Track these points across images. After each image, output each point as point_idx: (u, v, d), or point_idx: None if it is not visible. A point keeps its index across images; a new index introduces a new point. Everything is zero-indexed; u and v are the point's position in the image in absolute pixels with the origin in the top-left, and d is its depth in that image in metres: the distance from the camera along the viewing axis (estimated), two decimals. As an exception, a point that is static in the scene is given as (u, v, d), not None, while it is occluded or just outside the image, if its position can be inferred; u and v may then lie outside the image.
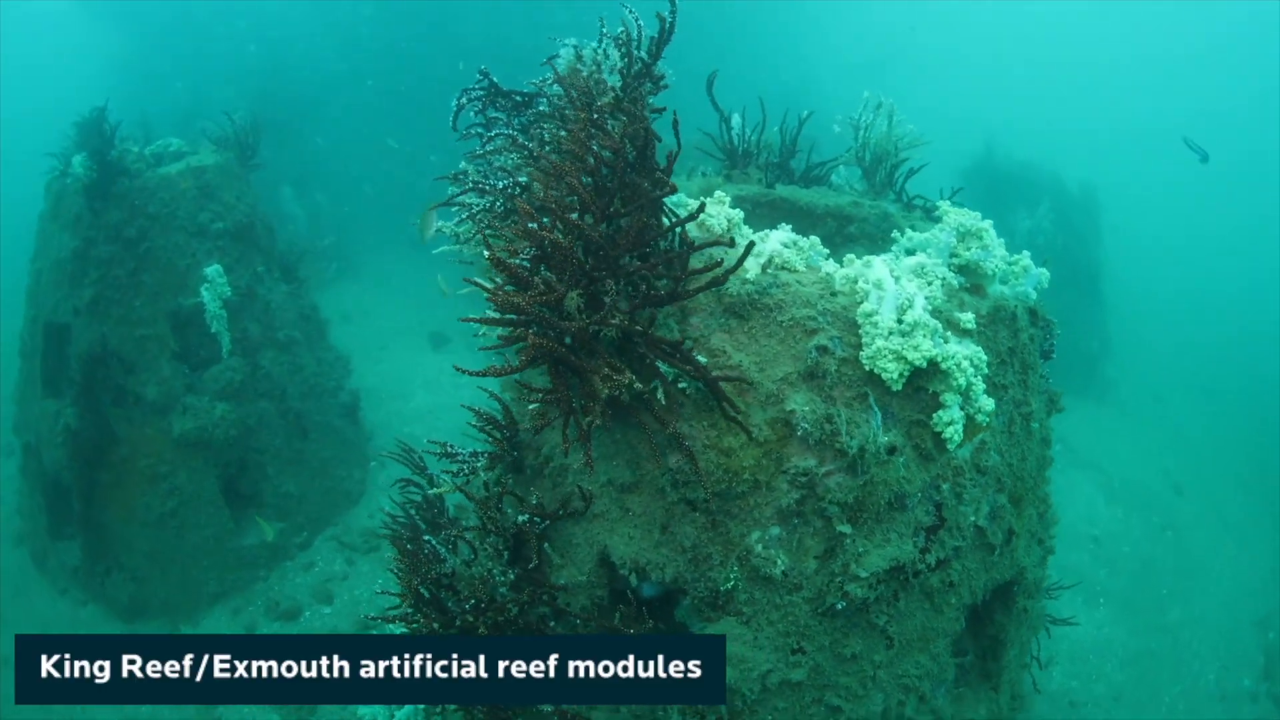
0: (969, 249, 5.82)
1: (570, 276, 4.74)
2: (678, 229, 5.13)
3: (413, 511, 7.11)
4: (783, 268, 5.44)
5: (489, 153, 6.32)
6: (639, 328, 4.80)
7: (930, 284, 5.46)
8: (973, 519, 5.68)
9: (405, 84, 23.20)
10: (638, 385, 4.72)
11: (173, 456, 13.20)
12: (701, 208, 5.36)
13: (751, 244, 5.20)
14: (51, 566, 14.42)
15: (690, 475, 5.02)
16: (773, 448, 5.03)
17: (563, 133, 5.76)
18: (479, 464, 6.45)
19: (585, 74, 5.98)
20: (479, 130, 6.47)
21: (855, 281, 5.31)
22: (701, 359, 5.01)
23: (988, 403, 5.42)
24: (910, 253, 5.87)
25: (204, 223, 13.33)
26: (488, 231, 5.81)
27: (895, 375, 5.08)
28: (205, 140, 14.51)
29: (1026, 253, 6.15)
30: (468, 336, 19.36)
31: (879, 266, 5.43)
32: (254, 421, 13.52)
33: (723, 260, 4.89)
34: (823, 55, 33.56)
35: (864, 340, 5.12)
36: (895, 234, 6.11)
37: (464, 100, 6.50)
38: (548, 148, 5.90)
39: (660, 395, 4.95)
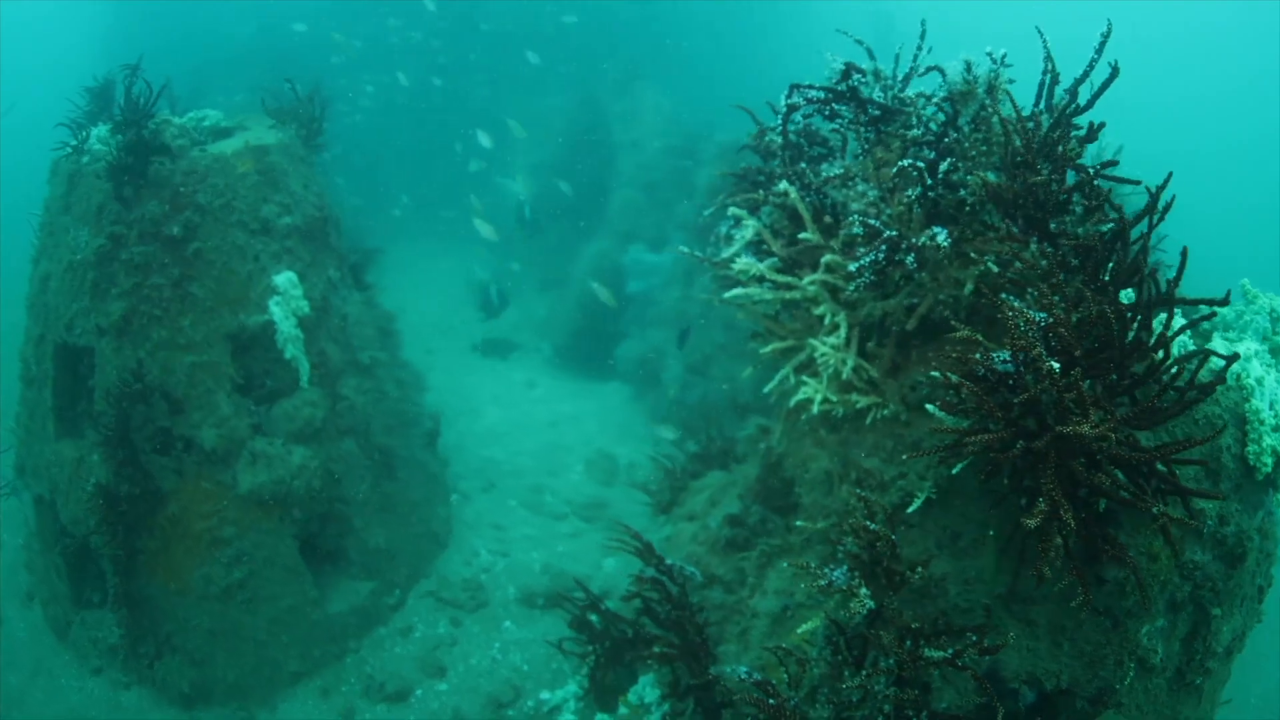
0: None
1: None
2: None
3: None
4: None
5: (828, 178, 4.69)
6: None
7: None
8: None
9: (424, 74, 17.62)
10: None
11: (239, 516, 8.00)
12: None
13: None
14: (78, 639, 9.09)
15: (1128, 586, 3.86)
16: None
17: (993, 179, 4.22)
18: (834, 576, 4.35)
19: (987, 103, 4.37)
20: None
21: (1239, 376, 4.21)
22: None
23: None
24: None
25: (269, 217, 8.00)
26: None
27: (1270, 466, 4.17)
28: (255, 113, 9.12)
29: None
30: (532, 341, 14.46)
31: (1255, 362, 4.37)
32: (338, 465, 8.46)
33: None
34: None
35: (1250, 436, 4.17)
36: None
37: (798, 100, 4.77)
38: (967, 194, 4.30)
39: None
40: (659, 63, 14.24)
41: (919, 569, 4.30)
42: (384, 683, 8.22)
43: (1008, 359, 3.52)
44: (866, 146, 5.02)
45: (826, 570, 4.37)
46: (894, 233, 4.52)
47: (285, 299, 7.65)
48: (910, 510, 4.49)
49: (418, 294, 17.01)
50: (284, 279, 7.69)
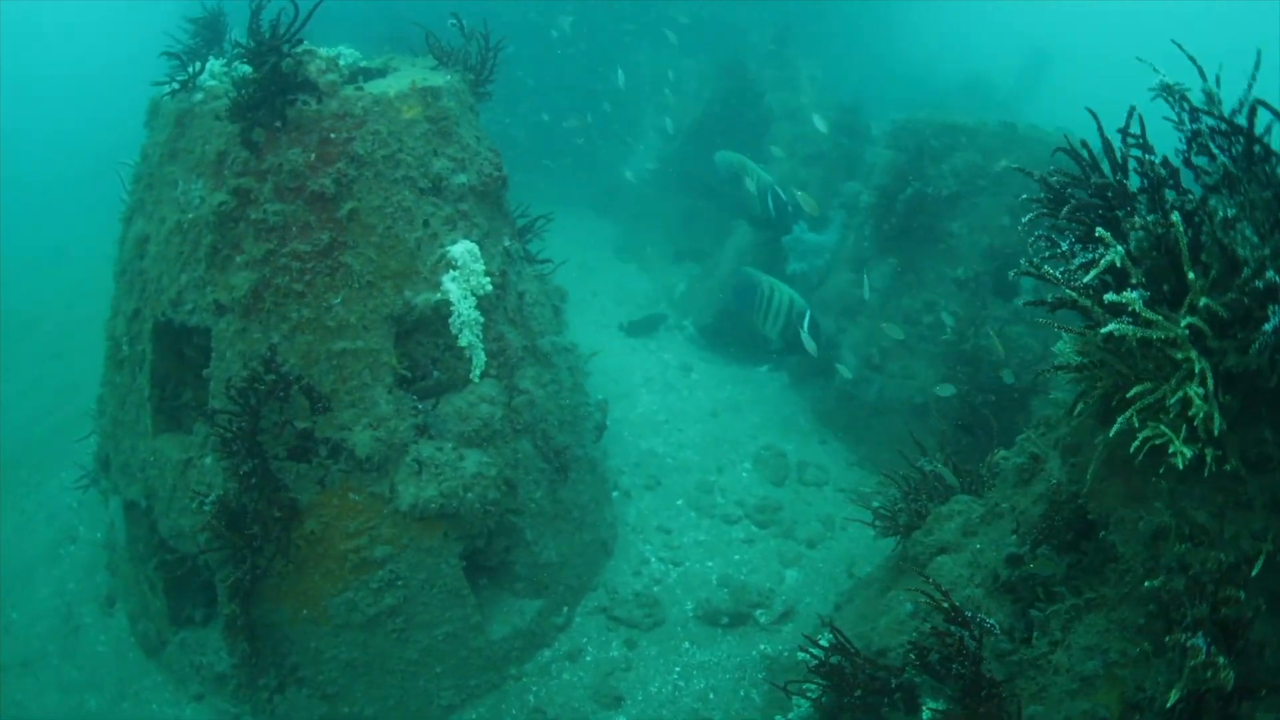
0: None
1: None
2: None
3: None
4: None
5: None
6: None
7: None
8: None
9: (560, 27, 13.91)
10: None
11: (396, 535, 5.67)
12: None
13: None
14: (174, 661, 6.71)
15: None
16: None
17: None
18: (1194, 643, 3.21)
19: None
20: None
21: None
22: None
23: None
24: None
25: (441, 174, 5.59)
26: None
27: None
28: (398, 54, 6.58)
29: None
30: (673, 317, 10.33)
31: None
32: (513, 471, 6.22)
33: None
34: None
35: None
36: None
37: (1188, 124, 2.25)
38: None
39: None
40: (806, 31, 11.84)
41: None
42: (555, 715, 6.13)
43: None
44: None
45: (1182, 636, 3.39)
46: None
47: (463, 274, 5.32)
48: (1254, 574, 3.27)
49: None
50: (462, 249, 5.34)
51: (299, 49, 5.15)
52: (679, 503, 7.34)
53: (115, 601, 7.26)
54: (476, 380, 5.62)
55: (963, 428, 7.24)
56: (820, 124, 7.57)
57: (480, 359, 5.57)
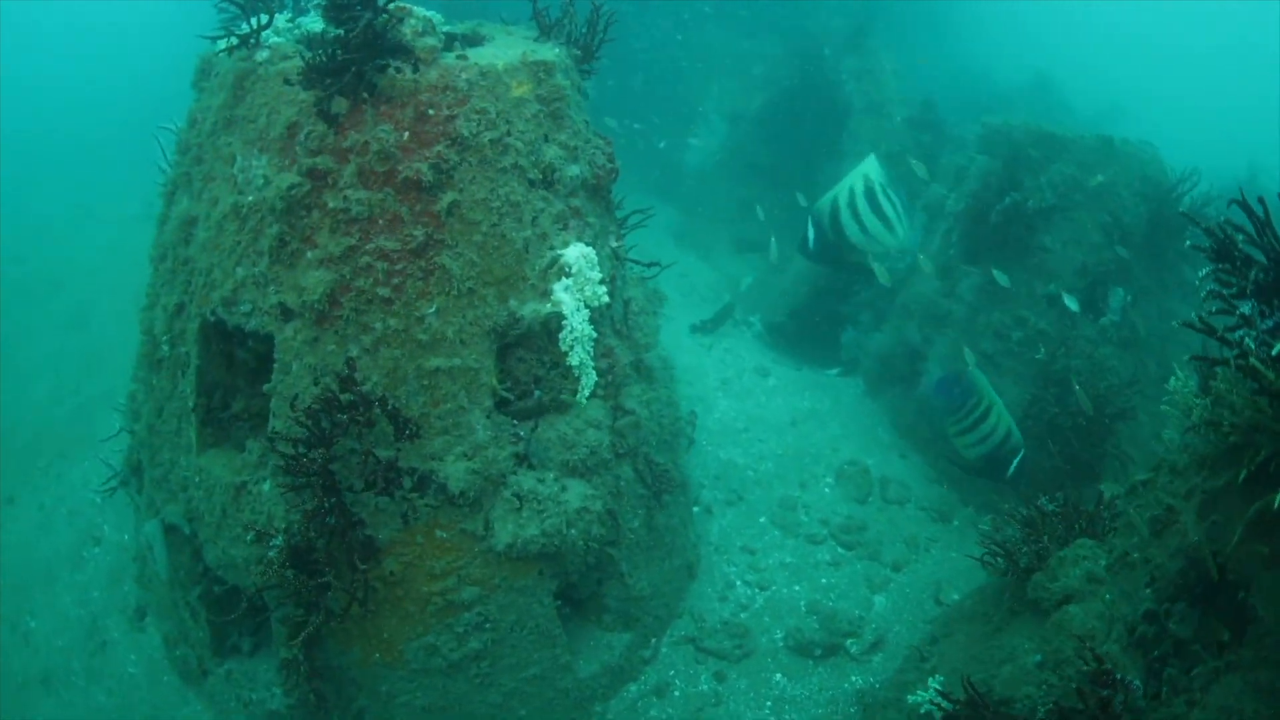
0: None
1: None
2: None
3: None
4: None
5: None
6: None
7: None
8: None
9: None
10: None
11: (487, 575, 4.43)
12: None
13: None
14: (217, 691, 5.44)
15: None
16: None
17: None
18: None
19: None
20: None
21: None
22: None
23: None
24: None
25: (554, 164, 4.33)
26: None
27: None
28: (486, 21, 5.19)
29: None
30: (743, 313, 8.92)
31: None
32: (617, 501, 5.03)
33: None
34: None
35: None
36: None
37: None
38: None
39: None
40: (886, 22, 10.37)
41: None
42: (643, 762, 5.09)
43: None
44: None
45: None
46: None
47: (578, 283, 4.09)
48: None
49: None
50: (577, 254, 4.09)
51: (391, 3, 3.79)
52: (762, 520, 6.26)
53: (146, 615, 5.99)
54: (584, 402, 4.42)
55: (1051, 452, 6.27)
56: (919, 169, 6.41)
57: (590, 379, 4.37)
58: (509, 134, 4.02)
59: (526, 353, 4.29)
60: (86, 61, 20.14)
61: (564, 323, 4.14)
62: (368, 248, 3.93)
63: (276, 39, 4.31)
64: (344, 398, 3.99)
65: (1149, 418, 6.65)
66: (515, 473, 4.32)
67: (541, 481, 4.34)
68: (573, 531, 4.40)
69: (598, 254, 4.31)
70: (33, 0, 22.44)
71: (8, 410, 8.26)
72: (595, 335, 4.31)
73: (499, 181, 4.01)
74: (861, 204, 5.63)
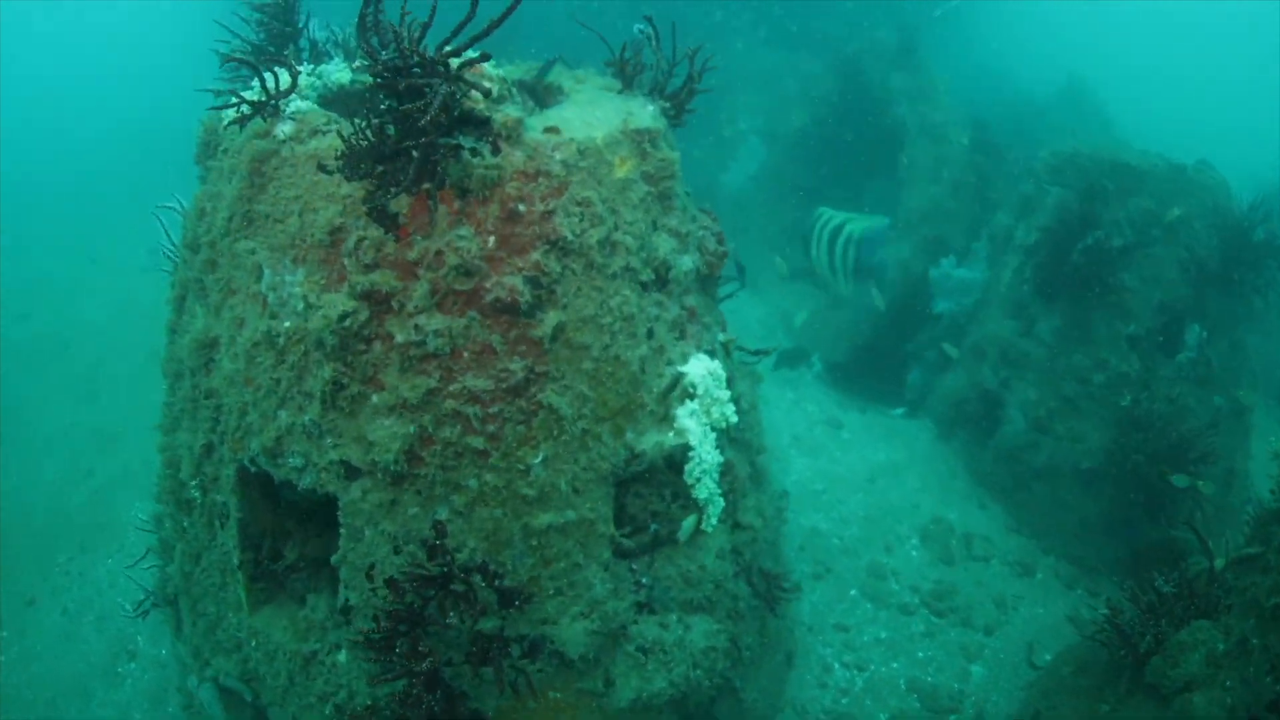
0: None
1: None
2: None
3: None
4: None
5: None
6: None
7: None
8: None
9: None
10: None
11: None
12: None
13: None
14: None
15: None
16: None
17: None
18: None
19: None
20: None
21: None
22: None
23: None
24: None
25: (667, 260, 3.04)
26: None
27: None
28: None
29: None
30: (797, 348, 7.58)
31: None
32: (736, 624, 4.02)
33: None
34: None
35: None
36: None
37: None
38: None
39: None
40: (934, 36, 8.94)
41: None
42: None
43: None
44: None
45: None
46: None
47: (704, 405, 2.99)
48: None
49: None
50: (701, 371, 2.98)
51: (465, 66, 2.55)
52: (853, 593, 5.31)
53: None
54: (709, 531, 3.35)
55: (1137, 503, 5.41)
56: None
57: (718, 507, 3.29)
58: (617, 228, 2.85)
59: (645, 488, 3.19)
60: (84, 81, 17.87)
61: (690, 453, 3.05)
62: (452, 389, 2.76)
63: (300, 103, 3.03)
64: (433, 569, 2.87)
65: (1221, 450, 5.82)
66: (636, 622, 3.26)
67: (665, 627, 3.29)
68: (698, 673, 3.38)
69: (717, 360, 3.18)
70: (32, 2, 19.79)
71: (19, 494, 6.90)
72: (722, 461, 3.22)
73: (609, 291, 2.85)
74: (826, 245, 5.54)
